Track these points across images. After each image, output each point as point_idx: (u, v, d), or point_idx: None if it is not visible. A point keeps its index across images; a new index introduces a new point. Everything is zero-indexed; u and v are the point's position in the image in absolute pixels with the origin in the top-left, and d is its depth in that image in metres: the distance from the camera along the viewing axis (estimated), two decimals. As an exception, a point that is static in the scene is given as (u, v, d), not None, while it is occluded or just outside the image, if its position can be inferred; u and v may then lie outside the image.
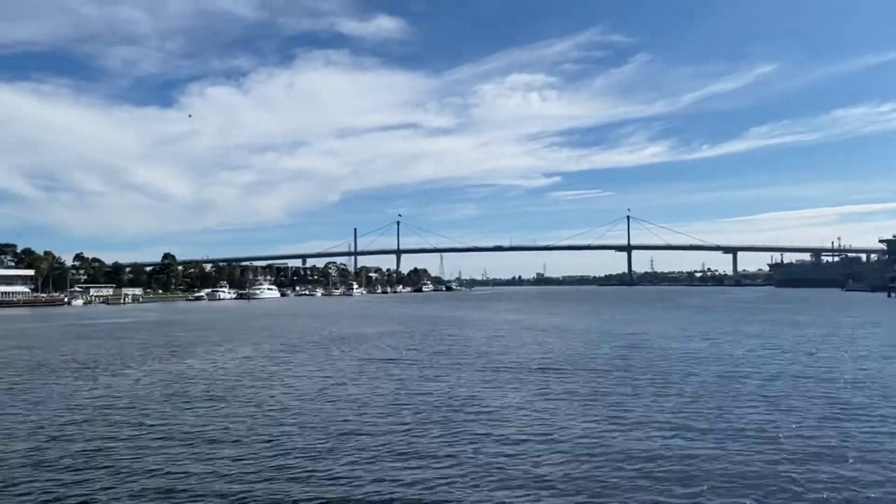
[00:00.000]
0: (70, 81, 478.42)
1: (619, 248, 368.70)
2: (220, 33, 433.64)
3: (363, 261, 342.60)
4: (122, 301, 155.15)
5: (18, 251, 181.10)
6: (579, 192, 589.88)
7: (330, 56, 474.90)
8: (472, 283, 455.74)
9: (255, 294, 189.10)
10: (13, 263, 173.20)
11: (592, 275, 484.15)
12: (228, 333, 50.98)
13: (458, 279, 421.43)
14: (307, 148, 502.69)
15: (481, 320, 64.41)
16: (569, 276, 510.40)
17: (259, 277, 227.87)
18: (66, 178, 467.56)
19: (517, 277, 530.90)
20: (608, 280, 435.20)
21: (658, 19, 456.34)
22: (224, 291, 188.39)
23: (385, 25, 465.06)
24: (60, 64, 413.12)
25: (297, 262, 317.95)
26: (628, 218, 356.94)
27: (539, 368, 27.35)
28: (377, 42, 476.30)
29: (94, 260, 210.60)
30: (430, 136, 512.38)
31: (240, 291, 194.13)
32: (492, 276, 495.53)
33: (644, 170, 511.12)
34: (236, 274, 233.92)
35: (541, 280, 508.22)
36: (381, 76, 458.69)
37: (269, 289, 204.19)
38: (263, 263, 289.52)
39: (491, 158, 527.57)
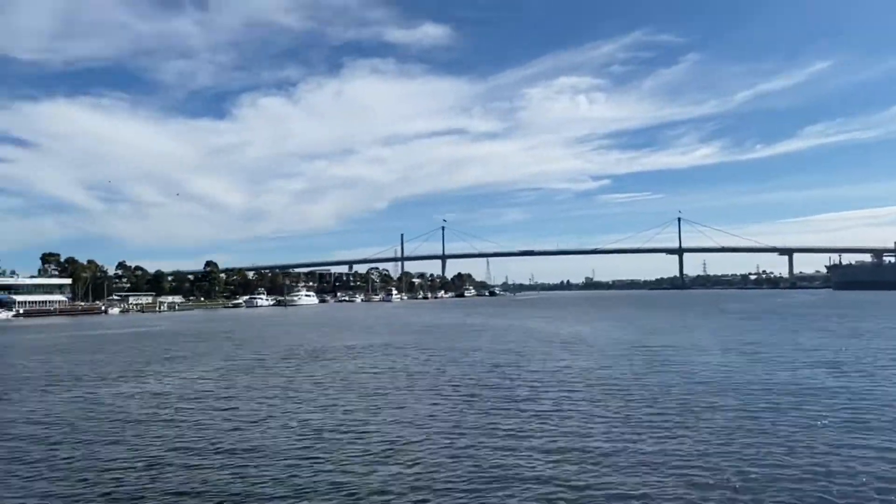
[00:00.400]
0: (127, 95, 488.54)
1: (669, 251, 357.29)
2: (269, 45, 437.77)
3: (409, 266, 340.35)
4: (157, 309, 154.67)
5: (62, 260, 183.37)
6: (629, 195, 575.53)
7: (376, 64, 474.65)
8: (520, 287, 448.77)
9: (293, 301, 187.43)
10: (57, 272, 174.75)
11: (643, 279, 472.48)
12: (213, 346, 46.88)
13: (505, 284, 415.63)
14: (356, 156, 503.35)
15: (501, 328, 58.98)
16: (618, 281, 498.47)
17: (298, 284, 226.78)
18: (125, 189, 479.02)
19: (565, 282, 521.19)
20: (659, 284, 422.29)
21: (708, 18, 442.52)
22: (262, 298, 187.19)
23: (431, 32, 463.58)
24: (118, 78, 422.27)
25: (345, 269, 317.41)
26: (679, 220, 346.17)
27: (516, 397, 21.99)
28: (423, 49, 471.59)
29: (137, 268, 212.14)
30: (476, 142, 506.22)
31: (278, 298, 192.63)
32: (540, 281, 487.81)
33: (695, 171, 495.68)
34: (278, 281, 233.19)
35: (590, 284, 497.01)
36: (427, 83, 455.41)
37: (306, 295, 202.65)
38: (307, 270, 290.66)
39: (538, 162, 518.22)
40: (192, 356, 39.01)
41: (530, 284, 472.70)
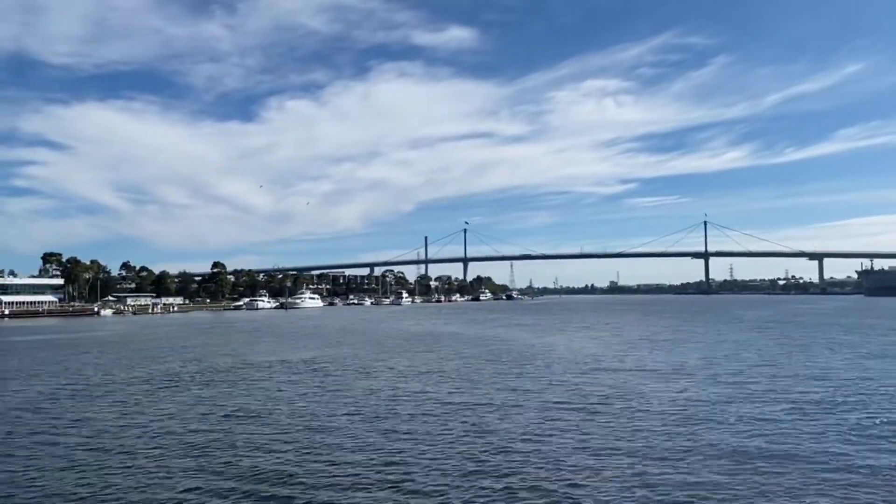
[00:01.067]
0: (157, 98, 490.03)
1: (695, 255, 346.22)
2: (297, 48, 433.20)
3: (433, 269, 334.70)
4: (150, 311, 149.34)
5: (64, 260, 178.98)
6: (656, 199, 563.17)
7: (403, 67, 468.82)
8: (543, 291, 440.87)
9: (295, 303, 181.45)
10: (58, 272, 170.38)
11: (669, 283, 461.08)
12: (93, 359, 39.97)
13: (529, 287, 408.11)
14: (382, 158, 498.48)
15: (467, 338, 51.19)
16: (644, 285, 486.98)
17: (303, 286, 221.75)
18: (154, 191, 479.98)
19: (590, 286, 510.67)
20: (684, 288, 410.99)
21: (737, 20, 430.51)
22: (263, 301, 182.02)
23: (457, 35, 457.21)
24: (148, 82, 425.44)
25: (366, 271, 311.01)
26: (705, 224, 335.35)
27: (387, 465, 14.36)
28: (450, 52, 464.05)
29: (142, 269, 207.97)
30: (503, 145, 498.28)
31: (280, 300, 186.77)
32: (564, 285, 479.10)
33: (724, 175, 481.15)
34: (286, 282, 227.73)
35: (614, 288, 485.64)
36: (454, 86, 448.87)
37: (310, 298, 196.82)
38: (320, 272, 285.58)
39: (566, 165, 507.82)
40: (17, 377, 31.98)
41: (554, 288, 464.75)
